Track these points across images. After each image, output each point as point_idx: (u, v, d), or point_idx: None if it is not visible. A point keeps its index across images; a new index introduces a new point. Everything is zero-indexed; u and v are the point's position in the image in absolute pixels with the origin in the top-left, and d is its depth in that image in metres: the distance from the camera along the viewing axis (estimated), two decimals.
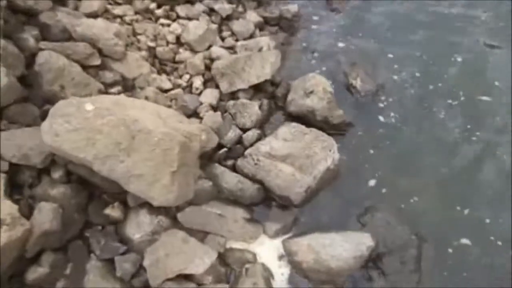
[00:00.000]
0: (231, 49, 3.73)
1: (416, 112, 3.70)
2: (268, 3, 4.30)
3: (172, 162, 2.38)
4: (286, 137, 3.24)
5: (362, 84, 3.77)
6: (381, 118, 3.67)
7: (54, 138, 2.30)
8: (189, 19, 3.81)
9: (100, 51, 3.09)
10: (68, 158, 2.42)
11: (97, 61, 3.05)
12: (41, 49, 2.87)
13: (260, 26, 4.02)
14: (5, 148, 2.42)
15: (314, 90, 3.34)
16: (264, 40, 3.75)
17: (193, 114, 3.30)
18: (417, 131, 3.60)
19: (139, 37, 3.56)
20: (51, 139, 2.30)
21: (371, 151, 3.52)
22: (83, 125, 2.32)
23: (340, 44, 4.16)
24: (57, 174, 2.53)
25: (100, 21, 3.12)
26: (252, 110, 3.30)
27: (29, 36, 2.93)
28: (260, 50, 3.69)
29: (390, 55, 4.00)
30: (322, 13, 4.38)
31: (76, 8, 3.49)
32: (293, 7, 4.09)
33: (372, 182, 3.37)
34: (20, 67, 2.65)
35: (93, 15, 3.46)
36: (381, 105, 3.74)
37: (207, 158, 3.10)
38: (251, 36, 3.87)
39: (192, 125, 2.75)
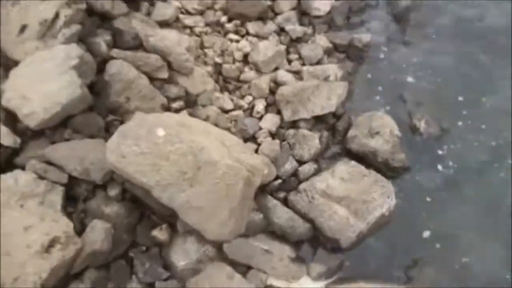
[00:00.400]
0: (297, 73, 3.60)
1: (477, 166, 3.45)
2: (339, 27, 4.14)
3: (234, 197, 2.30)
4: (344, 176, 3.10)
5: (426, 126, 3.58)
6: (439, 166, 3.46)
7: (119, 159, 2.25)
8: (258, 37, 3.72)
9: (169, 64, 3.04)
10: (127, 178, 2.37)
11: (165, 75, 3.00)
12: (113, 57, 2.84)
13: (329, 52, 3.87)
14: (68, 160, 2.39)
15: (380, 132, 3.19)
16: (332, 69, 3.61)
17: (251, 138, 3.20)
18: (477, 188, 3.36)
19: (206, 50, 3.50)
20: (116, 159, 2.26)
21: (428, 199, 3.33)
22: (151, 150, 2.26)
23: (408, 80, 3.94)
24: (113, 191, 2.48)
25: (173, 34, 3.07)
26: (312, 143, 3.18)
27: (102, 41, 2.90)
28: (326, 78, 3.56)
29: (460, 98, 3.76)
30: (393, 45, 4.16)
31: (149, 13, 3.46)
32: (366, 37, 3.91)
33: (426, 234, 3.19)
34: (91, 75, 2.63)
35: (165, 23, 3.43)
36: (442, 152, 3.52)
37: (259, 188, 3.00)
38: (319, 62, 3.73)
39: (255, 158, 2.66)
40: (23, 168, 2.41)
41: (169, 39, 2.99)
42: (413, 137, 3.58)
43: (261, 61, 3.44)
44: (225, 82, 3.48)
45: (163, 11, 3.46)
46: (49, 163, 2.42)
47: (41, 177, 2.37)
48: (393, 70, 4.00)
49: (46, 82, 2.36)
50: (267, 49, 3.47)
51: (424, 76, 3.96)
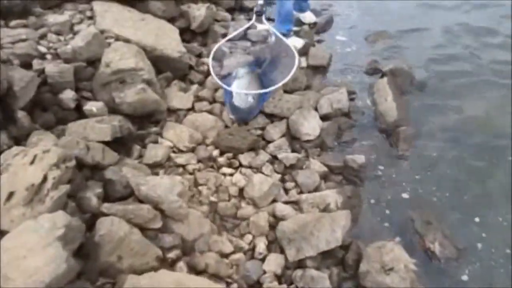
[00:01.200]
0: (296, 203, 3.47)
1: None
2: (331, 148, 4.12)
3: None
4: None
5: (441, 249, 3.35)
6: None
7: None
8: (252, 168, 3.65)
9: (162, 212, 2.88)
10: None
11: (158, 224, 2.82)
12: (103, 213, 2.68)
13: (325, 176, 3.79)
14: None
15: (394, 268, 2.95)
16: (332, 196, 3.48)
17: (255, 284, 2.94)
18: None
19: (200, 188, 3.38)
20: None
21: None
22: None
23: (411, 198, 3.81)
24: None
25: (165, 180, 2.95)
26: (323, 284, 2.91)
27: (92, 195, 2.76)
28: (327, 207, 3.41)
29: (476, 219, 3.58)
30: (388, 161, 4.11)
31: (140, 156, 3.41)
32: (360, 158, 3.84)
33: None
34: (80, 238, 2.42)
35: (157, 165, 3.36)
36: (465, 277, 3.25)
37: None
38: (316, 189, 3.62)
39: None
40: None
41: (161, 186, 2.87)
42: (430, 262, 3.33)
43: (257, 197, 3.32)
44: (222, 220, 3.31)
45: (155, 152, 3.42)
46: None
47: None
48: (393, 189, 3.88)
49: (29, 257, 2.13)
50: (262, 183, 3.36)
51: (427, 192, 3.84)
